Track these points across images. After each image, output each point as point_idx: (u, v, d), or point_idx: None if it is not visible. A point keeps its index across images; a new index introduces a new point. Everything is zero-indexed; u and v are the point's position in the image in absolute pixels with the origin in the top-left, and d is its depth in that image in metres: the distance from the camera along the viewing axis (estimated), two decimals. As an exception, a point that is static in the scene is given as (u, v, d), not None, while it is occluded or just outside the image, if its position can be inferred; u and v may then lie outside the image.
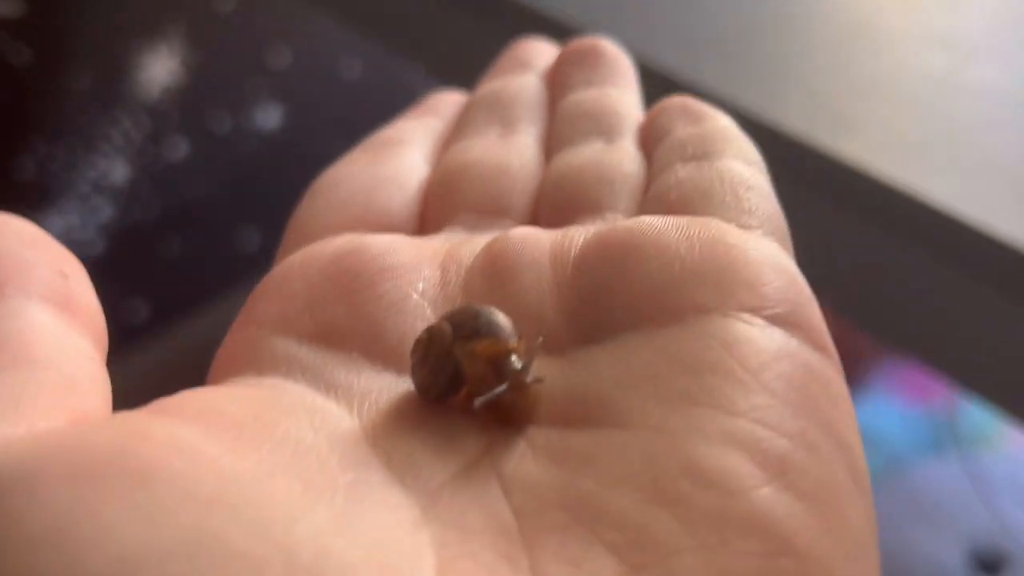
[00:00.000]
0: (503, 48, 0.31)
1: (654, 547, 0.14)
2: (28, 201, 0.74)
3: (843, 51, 0.48)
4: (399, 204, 0.24)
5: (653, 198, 0.22)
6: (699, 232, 0.19)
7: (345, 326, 0.19)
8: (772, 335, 0.17)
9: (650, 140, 0.25)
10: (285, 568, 0.13)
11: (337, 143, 0.79)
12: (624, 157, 0.24)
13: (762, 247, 0.19)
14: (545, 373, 0.18)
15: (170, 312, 0.87)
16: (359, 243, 0.21)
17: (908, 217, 0.38)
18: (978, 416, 0.94)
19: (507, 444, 0.17)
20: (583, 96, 0.27)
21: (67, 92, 0.74)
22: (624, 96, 0.27)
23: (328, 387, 0.18)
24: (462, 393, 0.18)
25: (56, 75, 0.74)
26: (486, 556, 0.14)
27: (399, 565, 0.13)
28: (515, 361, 0.18)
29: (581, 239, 0.20)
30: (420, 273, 0.20)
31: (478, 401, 0.17)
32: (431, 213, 0.24)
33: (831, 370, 0.17)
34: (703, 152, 0.23)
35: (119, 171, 0.78)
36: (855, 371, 1.02)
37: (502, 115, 0.27)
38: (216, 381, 0.19)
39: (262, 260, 0.69)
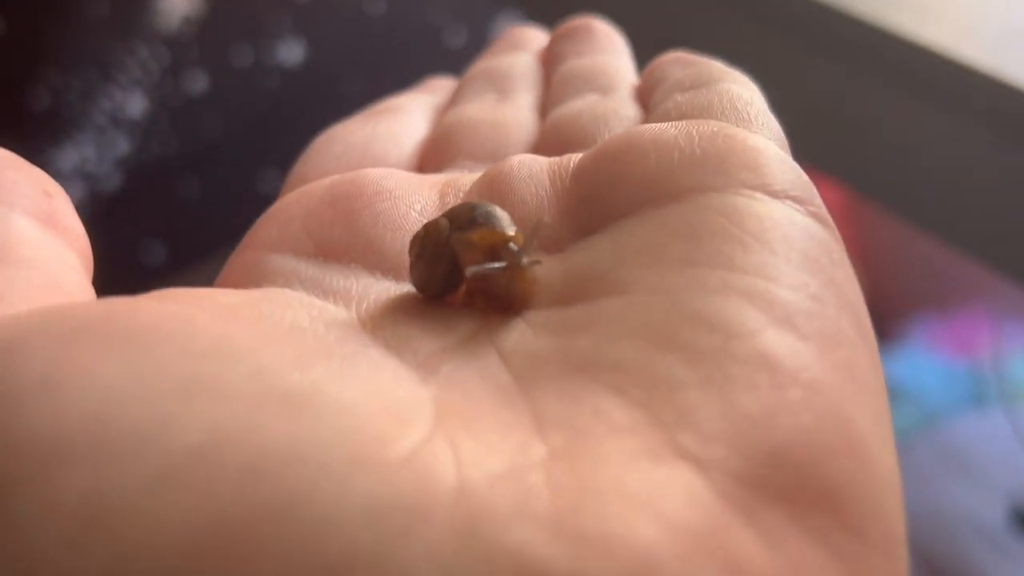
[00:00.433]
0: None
1: (657, 383, 0.14)
2: (43, 132, 0.72)
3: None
4: (395, 156, 0.24)
5: (652, 122, 0.22)
6: (698, 127, 0.19)
7: (343, 242, 0.19)
8: (772, 206, 0.17)
9: (647, 92, 0.25)
10: (280, 404, 0.13)
11: (359, 82, 0.77)
12: (619, 104, 0.24)
13: (763, 139, 0.19)
14: (544, 265, 0.18)
15: (188, 255, 0.85)
16: (355, 173, 0.21)
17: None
18: (1028, 367, 0.92)
19: (505, 324, 0.17)
20: (576, 62, 0.28)
21: (83, 20, 0.72)
22: (618, 61, 0.28)
23: (326, 293, 0.18)
24: (460, 290, 0.18)
25: (72, 2, 0.71)
26: (487, 403, 0.14)
27: (398, 407, 0.13)
28: (513, 248, 0.17)
29: (579, 156, 0.20)
30: (419, 195, 0.21)
31: (471, 271, 0.17)
32: (428, 164, 0.24)
33: (832, 239, 0.17)
34: (701, 82, 0.22)
35: (136, 104, 0.75)
36: (894, 325, 1.00)
37: (497, 85, 0.28)
38: None
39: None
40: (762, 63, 0.50)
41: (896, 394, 0.93)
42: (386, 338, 0.16)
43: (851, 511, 0.13)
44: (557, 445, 0.13)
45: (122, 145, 0.76)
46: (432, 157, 0.25)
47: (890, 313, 1.01)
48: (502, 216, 0.18)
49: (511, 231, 0.18)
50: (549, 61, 0.29)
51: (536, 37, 0.31)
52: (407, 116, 0.27)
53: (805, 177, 0.18)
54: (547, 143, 0.24)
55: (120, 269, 0.83)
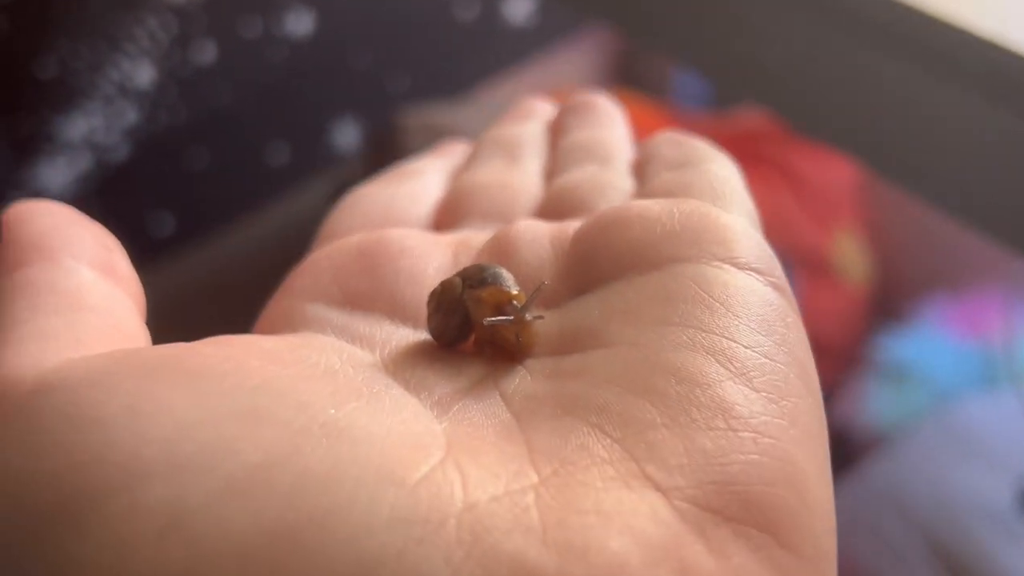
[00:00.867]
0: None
1: (633, 424, 0.17)
2: (51, 101, 0.71)
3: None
4: (415, 216, 0.27)
5: (641, 196, 0.25)
6: (678, 205, 0.21)
7: (368, 293, 0.22)
8: (738, 276, 0.20)
9: (640, 165, 0.28)
10: (320, 432, 0.16)
11: (368, 54, 0.76)
12: (617, 176, 0.27)
13: (734, 218, 0.21)
14: (544, 319, 0.21)
15: (196, 226, 0.85)
16: (379, 233, 0.24)
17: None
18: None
19: (508, 370, 0.20)
20: (579, 134, 0.30)
21: (91, -12, 0.71)
22: (617, 135, 0.31)
23: (353, 337, 0.21)
24: (471, 339, 0.21)
25: (80, -30, 0.70)
26: (490, 437, 0.17)
27: (417, 437, 0.16)
28: (516, 305, 0.20)
29: (577, 223, 0.23)
30: (434, 254, 0.23)
31: (487, 321, 0.20)
32: (443, 222, 0.27)
33: (789, 308, 0.20)
34: (686, 162, 0.25)
35: (144, 74, 0.75)
36: (905, 306, 0.99)
37: (507, 151, 0.30)
38: None
39: (291, 176, 0.66)
40: (778, 41, 0.49)
41: (906, 375, 0.92)
42: (406, 379, 0.19)
43: (788, 531, 0.16)
44: (547, 473, 0.16)
45: (130, 115, 0.75)
46: (447, 216, 0.27)
47: (901, 294, 1.01)
48: (508, 277, 0.21)
49: (515, 290, 0.21)
50: (556, 131, 0.32)
51: (545, 109, 0.34)
52: (425, 179, 0.29)
53: (769, 251, 0.21)
54: (551, 207, 0.26)
55: (129, 240, 0.83)
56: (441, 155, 0.32)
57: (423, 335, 0.21)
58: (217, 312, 0.91)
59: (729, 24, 0.50)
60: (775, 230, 0.94)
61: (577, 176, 0.27)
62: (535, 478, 0.16)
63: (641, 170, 0.27)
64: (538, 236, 0.23)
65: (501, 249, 0.23)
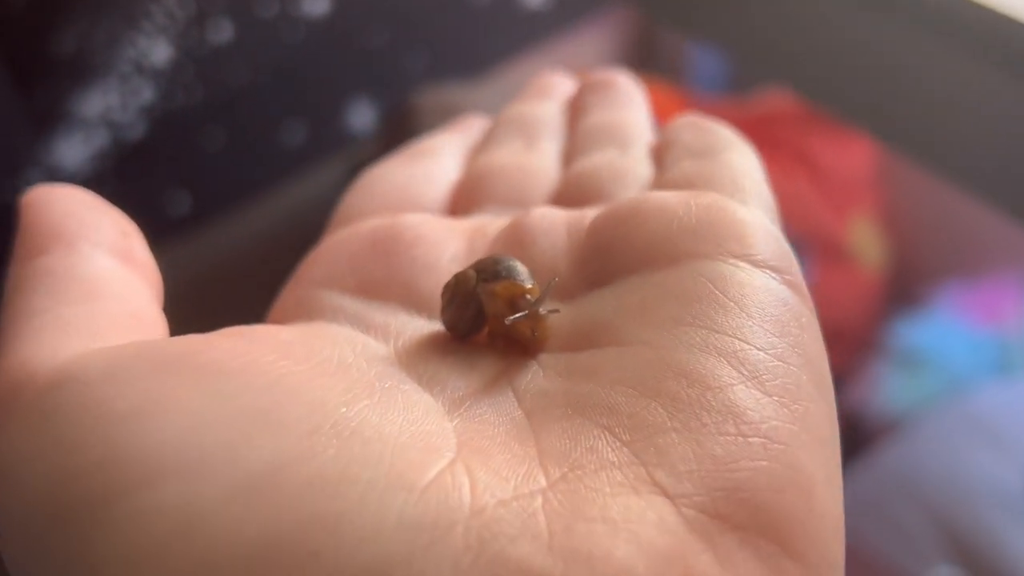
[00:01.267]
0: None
1: (643, 427, 0.17)
2: (68, 77, 0.71)
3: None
4: (431, 198, 0.27)
5: (660, 186, 0.24)
6: (696, 199, 0.21)
7: (383, 282, 0.22)
8: (754, 274, 0.19)
9: (661, 150, 0.27)
10: (331, 432, 0.16)
11: (384, 35, 0.76)
12: (636, 161, 0.27)
13: (752, 213, 0.21)
14: (554, 308, 0.21)
15: (212, 206, 0.85)
16: (395, 219, 0.24)
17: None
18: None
19: (521, 366, 0.20)
20: (599, 116, 0.30)
21: (108, -35, 0.71)
22: (637, 117, 0.30)
23: (367, 327, 0.21)
24: (484, 331, 0.21)
25: (97, -53, 0.71)
26: (500, 438, 0.17)
27: (428, 439, 0.16)
28: (530, 299, 0.20)
29: (594, 213, 0.23)
30: (449, 243, 0.23)
31: (508, 319, 0.20)
32: (460, 206, 0.27)
33: (804, 307, 0.20)
34: (707, 150, 0.25)
35: (161, 51, 0.75)
36: (922, 292, 0.99)
37: (526, 131, 0.30)
38: None
39: (307, 155, 0.66)
40: (799, 18, 0.49)
41: (921, 361, 0.92)
42: (419, 373, 0.19)
43: (794, 539, 0.16)
44: (555, 477, 0.16)
45: (146, 93, 0.75)
46: (463, 200, 0.27)
47: (917, 280, 1.00)
48: (522, 270, 0.21)
49: (529, 284, 0.21)
50: (575, 110, 0.32)
51: (564, 85, 0.34)
52: (441, 158, 0.29)
53: (786, 248, 0.21)
54: (568, 192, 0.26)
55: (145, 219, 0.83)
56: (459, 131, 0.32)
57: (437, 325, 0.21)
58: (233, 292, 0.92)
59: (750, 1, 0.50)
60: (791, 215, 0.94)
61: (596, 161, 0.27)
62: (543, 482, 0.16)
63: (661, 156, 0.27)
64: (554, 225, 0.23)
65: (517, 238, 0.23)
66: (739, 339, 0.18)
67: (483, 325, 0.21)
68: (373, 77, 0.90)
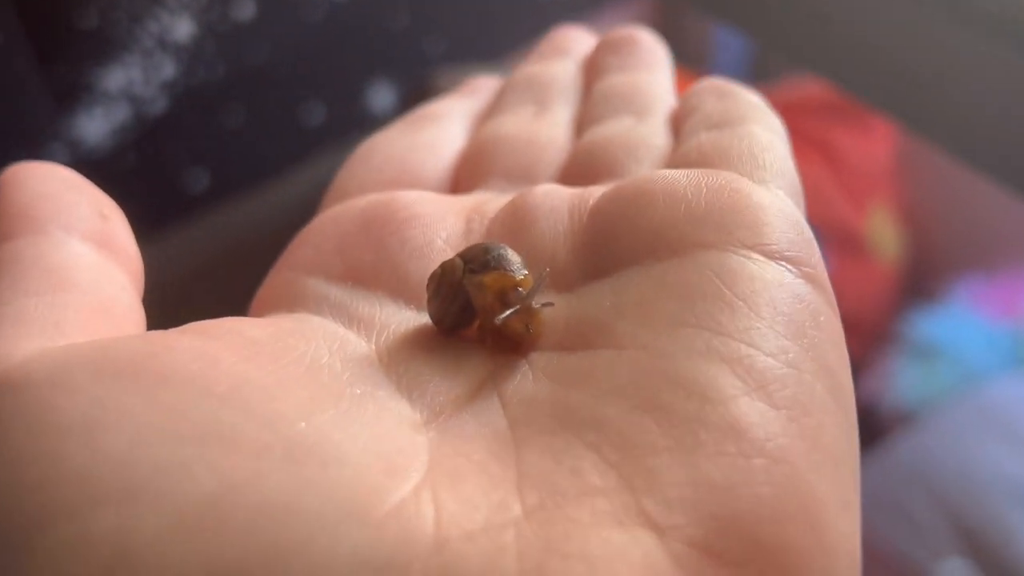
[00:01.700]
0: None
1: (632, 447, 0.15)
2: (91, 52, 0.72)
3: None
4: (432, 169, 0.26)
5: (674, 161, 0.23)
6: (708, 179, 0.19)
7: (372, 268, 0.21)
8: (766, 266, 0.18)
9: (681, 117, 0.25)
10: (285, 453, 0.14)
11: (404, 16, 0.75)
12: (652, 132, 0.25)
13: (769, 195, 0.19)
14: (548, 301, 0.19)
15: (231, 184, 0.85)
16: (389, 196, 0.23)
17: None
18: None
19: (510, 367, 0.18)
20: (616, 79, 0.28)
21: (132, -59, 0.71)
22: (657, 79, 0.28)
23: (351, 319, 0.20)
24: (473, 325, 0.19)
25: (122, -78, 0.71)
26: (478, 455, 0.16)
27: (393, 458, 0.15)
28: (522, 292, 0.19)
29: (599, 192, 0.21)
30: (445, 222, 0.22)
31: (499, 318, 0.18)
32: (463, 179, 0.26)
33: (823, 303, 0.18)
34: (727, 120, 0.23)
35: (183, 28, 0.75)
36: (938, 285, 0.99)
37: (537, 95, 0.28)
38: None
39: (327, 136, 0.66)
40: (830, 2, 0.49)
41: (936, 353, 0.92)
42: (399, 374, 0.18)
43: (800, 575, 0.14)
44: (532, 504, 0.14)
45: (168, 69, 0.76)
46: (466, 173, 0.26)
47: (934, 273, 1.00)
48: (514, 260, 0.19)
49: (520, 275, 0.19)
50: (592, 70, 0.30)
51: (582, 40, 0.32)
52: (446, 125, 0.28)
53: (806, 234, 0.19)
54: (578, 165, 0.24)
55: (164, 195, 0.83)
56: (467, 95, 0.30)
57: (425, 318, 0.20)
58: (249, 271, 0.92)
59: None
60: (810, 204, 0.94)
61: (609, 131, 0.25)
62: (518, 510, 0.14)
63: (680, 124, 0.25)
64: (556, 206, 0.21)
65: (516, 219, 0.21)
66: (745, 343, 0.16)
67: (472, 319, 0.19)
68: (393, 60, 0.90)
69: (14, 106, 0.71)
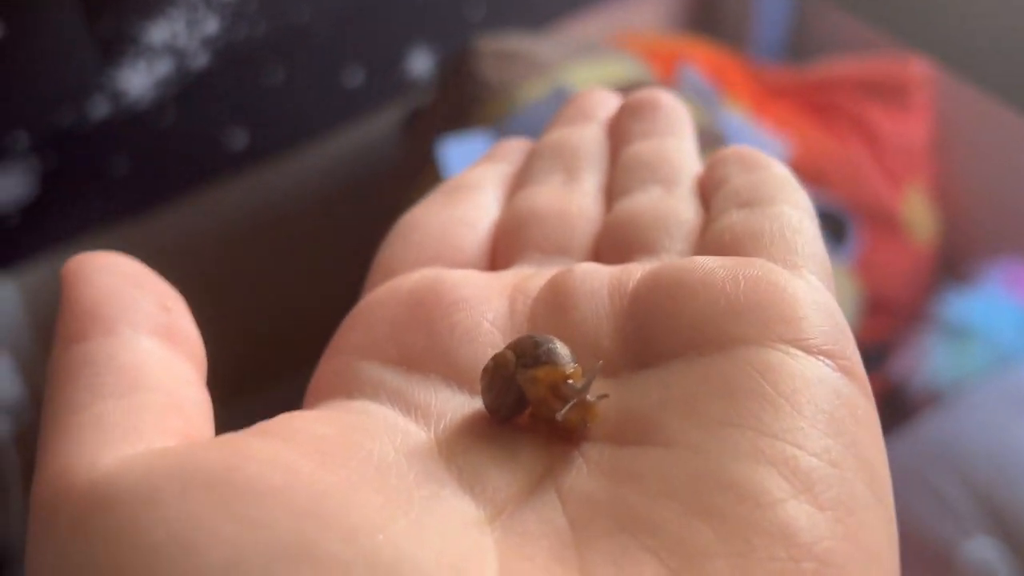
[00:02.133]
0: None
1: (690, 553, 0.16)
2: (137, 5, 0.72)
3: None
4: (471, 243, 0.27)
5: (707, 241, 0.24)
6: (744, 271, 0.20)
7: (424, 352, 0.22)
8: (805, 363, 0.19)
9: (708, 189, 0.26)
10: (368, 569, 0.15)
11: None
12: (681, 204, 0.26)
13: (803, 285, 0.20)
14: (603, 392, 0.20)
15: (269, 143, 0.86)
16: (435, 277, 0.24)
17: None
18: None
19: (566, 459, 0.19)
20: (642, 147, 0.29)
21: None
22: (682, 146, 0.29)
23: (408, 407, 0.21)
24: (526, 413, 0.21)
25: None
26: (542, 557, 0.16)
27: (466, 565, 0.16)
28: (572, 384, 0.20)
29: (638, 274, 0.22)
30: (490, 304, 0.23)
31: (559, 415, 0.19)
32: (501, 251, 0.27)
33: (860, 395, 0.19)
34: (756, 199, 0.24)
35: (227, -17, 0.76)
36: (971, 266, 0.98)
37: (566, 163, 0.29)
38: (310, 406, 0.22)
39: (365, 100, 0.66)
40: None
41: (969, 335, 0.91)
42: (459, 467, 0.19)
43: None
44: None
45: (211, 24, 0.76)
46: (503, 246, 0.27)
47: (968, 254, 0.99)
48: (563, 354, 0.20)
49: (570, 369, 0.20)
50: (616, 134, 0.31)
51: (605, 103, 0.32)
52: (480, 197, 0.29)
53: (841, 325, 0.20)
54: (611, 238, 0.26)
55: (203, 152, 0.84)
56: (496, 160, 0.31)
57: (478, 402, 0.21)
58: (284, 232, 0.93)
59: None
60: (845, 182, 0.93)
61: (639, 203, 0.26)
62: None
63: (708, 194, 0.26)
64: (596, 288, 0.22)
65: (558, 301, 0.22)
66: (790, 443, 0.17)
67: (525, 407, 0.21)
68: (432, 25, 0.91)
69: (62, 58, 0.72)
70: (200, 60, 0.77)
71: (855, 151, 0.94)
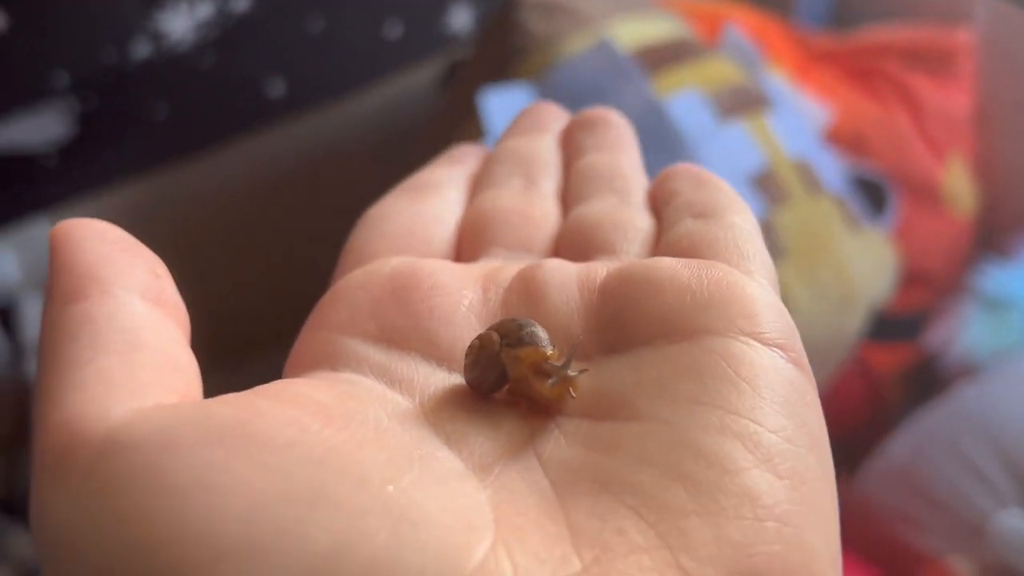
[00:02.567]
0: None
1: (667, 510, 0.18)
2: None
3: None
4: (439, 237, 0.28)
5: (664, 246, 0.26)
6: (707, 271, 0.22)
7: (404, 331, 0.23)
8: (763, 353, 0.21)
9: (659, 201, 0.28)
10: (382, 514, 0.16)
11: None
12: (636, 213, 0.28)
13: (757, 287, 0.22)
14: (587, 370, 0.22)
15: (306, 93, 0.85)
16: (413, 263, 0.25)
17: None
18: None
19: (544, 431, 0.21)
20: (597, 158, 0.31)
21: None
22: (632, 162, 0.31)
23: (392, 380, 0.22)
24: (505, 389, 0.22)
25: None
26: (532, 512, 0.18)
27: (467, 515, 0.17)
28: (553, 364, 0.21)
29: (604, 271, 0.24)
30: (465, 291, 0.24)
31: (549, 382, 0.21)
32: (466, 247, 0.28)
33: (807, 384, 0.21)
34: (709, 210, 0.26)
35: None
36: (1010, 239, 0.97)
37: (524, 169, 0.31)
38: (293, 375, 0.23)
39: (403, 53, 0.66)
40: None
41: (1007, 307, 0.90)
42: (447, 433, 0.20)
43: None
44: (588, 560, 0.17)
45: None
46: (469, 242, 0.28)
47: (1007, 227, 0.98)
48: (543, 337, 0.22)
49: (550, 350, 0.22)
50: (568, 146, 0.33)
51: (558, 118, 0.34)
52: (445, 194, 0.30)
53: (790, 323, 0.22)
54: (571, 240, 0.27)
55: (240, 98, 0.84)
56: (456, 163, 0.33)
57: (457, 378, 0.23)
58: (318, 183, 0.92)
59: None
60: (886, 151, 0.92)
61: (597, 209, 0.28)
62: (578, 565, 0.17)
63: (659, 205, 0.28)
64: (566, 281, 0.24)
65: (529, 292, 0.24)
66: (753, 421, 0.19)
67: (504, 384, 0.22)
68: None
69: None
70: (241, 3, 0.77)
71: (898, 119, 0.93)
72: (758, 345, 0.21)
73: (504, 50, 0.76)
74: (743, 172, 0.73)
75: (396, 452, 0.18)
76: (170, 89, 0.77)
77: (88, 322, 0.19)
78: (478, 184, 0.31)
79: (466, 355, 0.22)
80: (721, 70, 0.79)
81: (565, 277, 0.24)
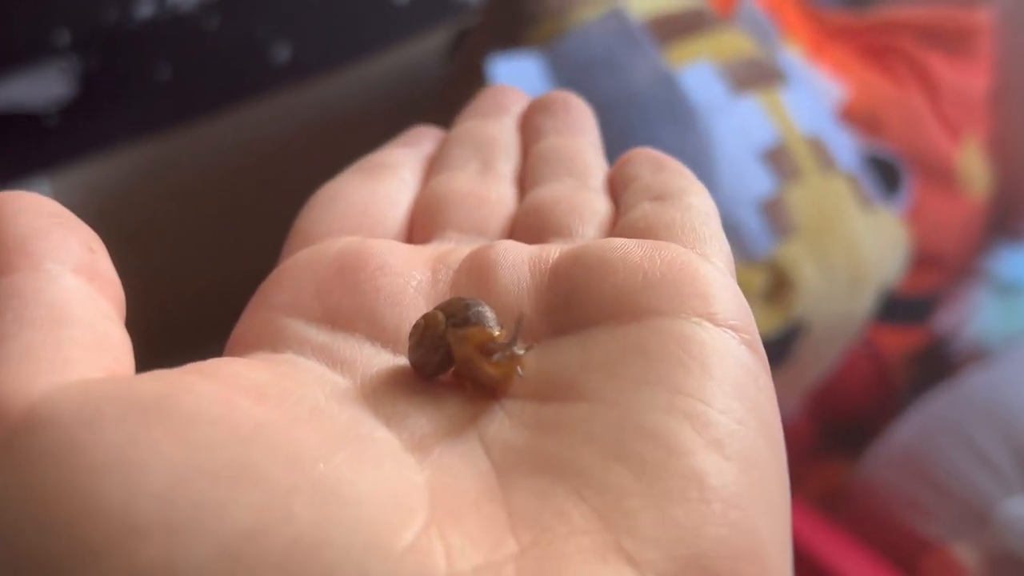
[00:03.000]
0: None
1: (610, 492, 0.17)
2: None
3: None
4: (392, 218, 0.28)
5: (621, 228, 0.25)
6: (661, 252, 0.22)
7: (349, 312, 0.23)
8: (715, 334, 0.20)
9: (617, 186, 0.28)
10: (312, 492, 0.16)
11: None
12: (594, 196, 0.28)
13: (712, 268, 0.22)
14: (533, 347, 0.21)
15: (310, 59, 0.84)
16: (361, 244, 0.24)
17: None
18: None
19: (488, 412, 0.20)
20: (556, 141, 0.31)
21: None
22: (592, 146, 0.31)
23: (334, 362, 0.21)
24: (450, 371, 0.21)
25: None
26: (470, 494, 0.18)
27: (402, 497, 0.17)
28: (499, 343, 0.21)
29: (557, 252, 0.23)
30: (414, 272, 0.24)
31: (496, 356, 0.20)
32: (419, 229, 0.28)
33: (760, 367, 0.21)
34: (667, 193, 0.26)
35: None
36: (1020, 223, 0.96)
37: (481, 152, 0.31)
38: (233, 355, 0.22)
39: (410, 19, 0.65)
40: None
41: (1019, 292, 0.89)
42: (386, 414, 0.20)
43: None
44: (526, 542, 0.16)
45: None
46: (422, 225, 0.28)
47: (1021, 211, 0.97)
48: (490, 317, 0.21)
49: (497, 330, 0.21)
50: (527, 129, 0.32)
51: (517, 101, 0.34)
52: (399, 175, 0.30)
53: (745, 305, 0.22)
54: (527, 223, 0.27)
55: (243, 63, 0.83)
56: (412, 144, 0.32)
57: (402, 360, 0.22)
58: (323, 151, 0.91)
59: None
60: (900, 130, 0.90)
61: (554, 192, 0.28)
62: (515, 547, 0.16)
63: (618, 189, 0.28)
64: (517, 262, 0.23)
65: (479, 272, 0.24)
66: (701, 401, 0.19)
67: (450, 365, 0.21)
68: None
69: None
70: (247, -36, 0.75)
71: (913, 98, 0.91)
72: (710, 326, 0.20)
73: (513, 17, 0.74)
74: (755, 146, 0.72)
75: (331, 432, 0.18)
76: (173, 50, 0.76)
77: (15, 296, 0.19)
78: (434, 166, 0.31)
79: (410, 335, 0.22)
80: (736, 42, 0.77)
81: (517, 258, 0.24)
